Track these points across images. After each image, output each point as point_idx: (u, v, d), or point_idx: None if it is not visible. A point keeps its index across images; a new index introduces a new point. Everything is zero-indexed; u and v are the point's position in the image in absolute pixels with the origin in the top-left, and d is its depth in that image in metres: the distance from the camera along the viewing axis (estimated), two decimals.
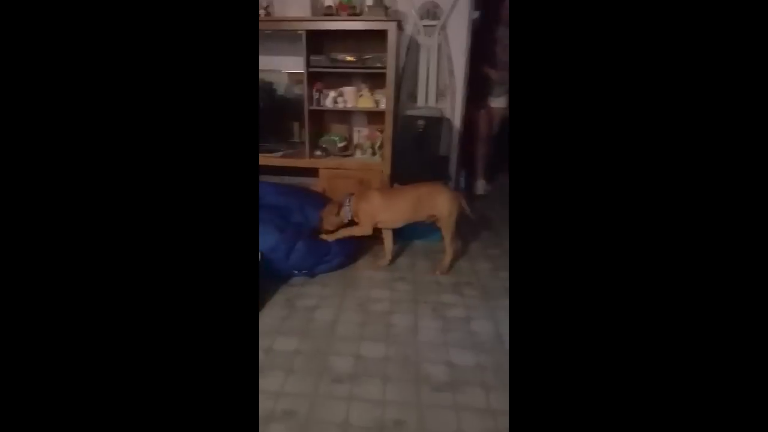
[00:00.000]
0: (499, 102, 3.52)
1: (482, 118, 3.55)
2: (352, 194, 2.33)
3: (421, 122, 2.65)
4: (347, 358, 1.63)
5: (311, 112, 2.72)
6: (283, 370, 1.55)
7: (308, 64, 2.62)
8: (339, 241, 2.27)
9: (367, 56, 2.63)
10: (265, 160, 2.78)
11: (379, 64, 2.58)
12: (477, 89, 3.40)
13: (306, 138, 2.76)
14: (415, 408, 1.40)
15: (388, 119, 2.62)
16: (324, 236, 2.24)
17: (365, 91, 2.75)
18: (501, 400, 1.43)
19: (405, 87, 2.94)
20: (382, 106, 2.67)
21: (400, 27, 2.57)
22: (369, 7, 2.64)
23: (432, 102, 2.93)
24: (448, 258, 2.28)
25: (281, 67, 2.92)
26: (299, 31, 2.55)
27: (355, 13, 2.61)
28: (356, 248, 2.41)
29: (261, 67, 2.92)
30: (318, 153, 2.84)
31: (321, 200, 2.58)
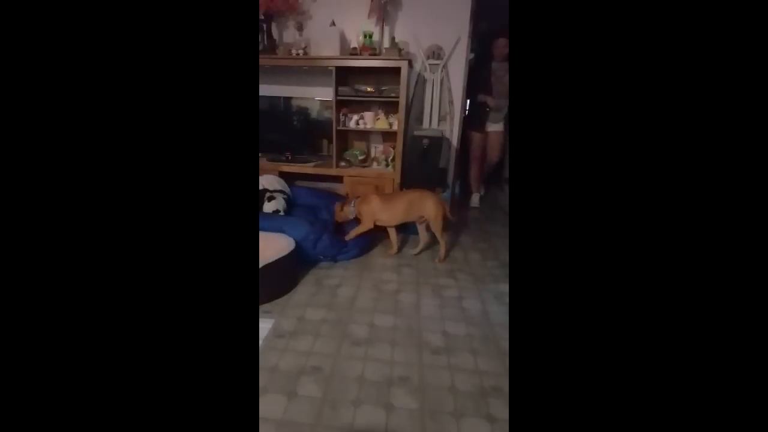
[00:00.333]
0: (495, 127, 3.32)
1: (479, 141, 3.38)
2: (357, 197, 2.35)
3: (425, 141, 2.64)
4: (363, 326, 1.62)
5: (338, 131, 2.73)
6: (312, 335, 1.55)
7: (336, 94, 2.62)
8: (355, 237, 2.29)
9: (384, 88, 2.63)
10: (300, 168, 2.80)
11: (393, 94, 2.58)
12: (475, 116, 3.31)
13: (333, 152, 2.77)
14: (417, 367, 1.39)
15: (399, 138, 2.62)
16: (346, 238, 2.26)
17: (381, 116, 2.75)
18: (486, 363, 1.42)
19: (413, 112, 2.93)
20: (395, 127, 2.67)
21: (410, 65, 2.56)
22: (386, 48, 2.64)
23: (435, 125, 2.92)
24: (443, 249, 2.27)
25: (314, 96, 2.93)
26: (330, 67, 2.56)
27: (375, 54, 2.61)
28: (369, 242, 2.40)
29: (298, 95, 2.95)
30: (343, 164, 2.85)
31: (345, 202, 2.58)
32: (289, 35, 2.92)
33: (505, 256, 2.37)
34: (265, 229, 2.09)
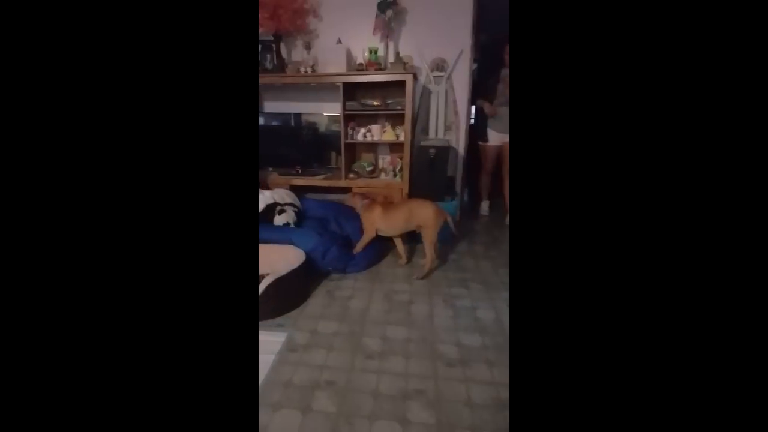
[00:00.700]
0: (498, 138, 3.04)
1: (486, 150, 3.13)
2: (366, 200, 2.30)
3: (432, 151, 2.61)
4: (376, 338, 1.57)
5: (346, 144, 2.73)
6: (325, 348, 1.51)
7: (344, 108, 2.63)
8: (363, 249, 2.25)
9: (390, 101, 2.63)
10: (310, 181, 2.80)
11: (399, 107, 2.58)
12: (481, 124, 3.14)
13: (342, 164, 2.77)
14: (432, 380, 1.34)
15: (406, 149, 2.60)
16: (354, 251, 2.23)
17: (388, 128, 2.75)
18: (503, 374, 1.35)
19: (419, 123, 2.92)
20: (402, 138, 2.66)
21: (415, 78, 2.56)
22: (391, 63, 2.64)
23: (441, 135, 2.89)
24: (427, 265, 2.13)
25: (323, 111, 2.94)
26: (337, 83, 2.58)
27: (380, 68, 2.61)
28: (378, 254, 2.36)
29: (307, 111, 2.96)
30: (351, 175, 2.84)
31: (352, 213, 2.56)
32: (298, 54, 2.94)
33: None
34: (275, 241, 2.07)
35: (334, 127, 2.85)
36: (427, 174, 2.66)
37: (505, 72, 2.93)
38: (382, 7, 2.59)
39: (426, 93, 2.87)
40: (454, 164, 2.96)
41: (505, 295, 1.94)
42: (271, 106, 3.11)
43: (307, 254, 1.98)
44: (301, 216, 2.44)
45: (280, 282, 1.71)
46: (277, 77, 2.71)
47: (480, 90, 3.06)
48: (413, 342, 1.55)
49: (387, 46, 2.70)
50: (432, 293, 1.97)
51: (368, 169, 2.83)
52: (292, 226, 2.31)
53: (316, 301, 1.88)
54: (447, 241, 2.48)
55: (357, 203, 2.33)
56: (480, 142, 3.14)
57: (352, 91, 2.74)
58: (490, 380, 1.33)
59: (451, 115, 2.90)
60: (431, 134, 2.90)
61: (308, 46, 2.82)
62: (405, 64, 2.58)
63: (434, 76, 2.81)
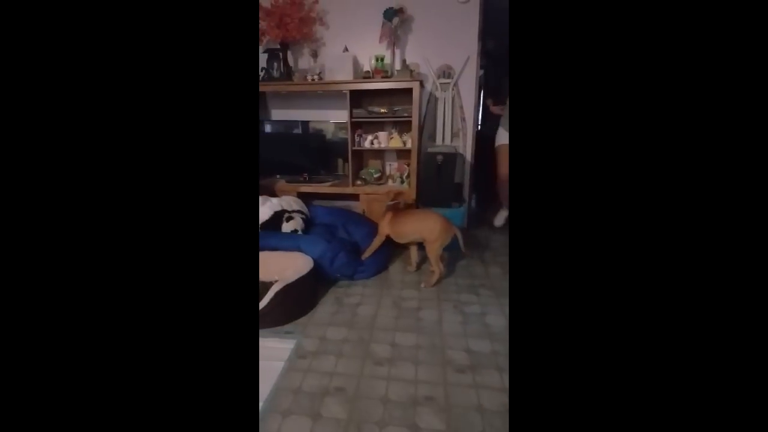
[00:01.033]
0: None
1: (503, 152, 2.92)
2: (390, 203, 2.30)
3: (440, 157, 2.63)
4: (385, 345, 1.58)
5: (353, 151, 2.76)
6: (334, 355, 1.52)
7: (351, 116, 2.67)
8: (372, 255, 2.26)
9: (397, 108, 2.66)
10: (317, 188, 2.83)
11: (406, 114, 2.61)
12: (493, 126, 3.02)
13: (349, 171, 2.80)
14: (442, 386, 1.34)
15: (414, 155, 2.63)
16: (362, 256, 2.23)
17: (395, 135, 2.77)
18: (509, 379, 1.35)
19: (426, 130, 2.93)
20: (409, 145, 2.69)
21: (422, 85, 2.59)
22: (398, 70, 2.68)
23: (448, 141, 2.91)
24: (435, 277, 2.12)
25: (330, 118, 2.98)
26: (344, 91, 2.62)
27: (387, 76, 2.65)
28: (385, 260, 2.37)
29: (314, 118, 3.00)
30: (359, 182, 2.86)
31: (360, 219, 2.58)
32: (305, 62, 2.99)
33: None
34: (283, 248, 2.09)
35: (341, 135, 2.89)
36: (435, 181, 2.67)
37: None
38: (388, 15, 2.63)
39: (433, 100, 2.90)
40: (461, 171, 2.97)
41: None
42: (278, 113, 3.16)
43: (316, 261, 2.00)
44: (308, 223, 2.47)
45: (288, 289, 1.72)
46: (284, 85, 2.76)
47: (490, 92, 3.05)
48: (422, 348, 1.56)
49: (393, 54, 2.74)
50: (441, 299, 1.97)
51: (375, 176, 2.86)
52: (299, 233, 2.33)
53: (325, 308, 1.89)
54: (453, 248, 2.46)
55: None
56: (496, 145, 2.94)
57: (358, 98, 2.78)
58: (500, 386, 1.33)
59: (458, 121, 2.92)
60: (438, 141, 2.93)
61: (315, 54, 2.87)
62: (411, 71, 2.62)
63: (441, 83, 2.84)
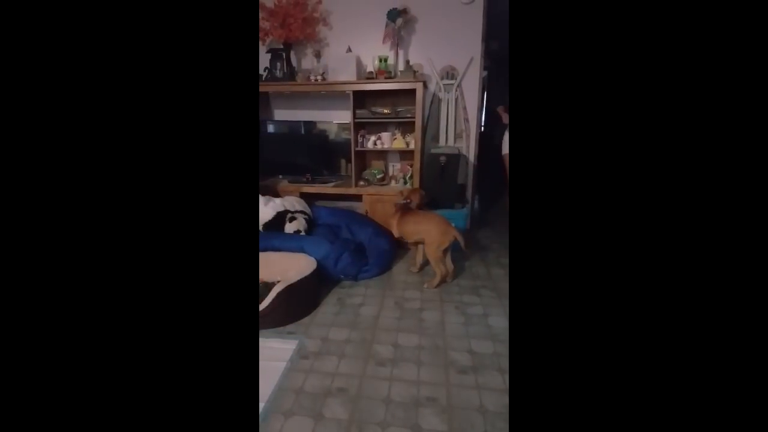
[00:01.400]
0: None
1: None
2: (400, 202, 2.34)
3: (443, 158, 2.64)
4: (388, 346, 1.59)
5: (356, 152, 2.77)
6: (336, 355, 1.53)
7: (354, 116, 2.68)
8: (374, 255, 2.29)
9: (400, 109, 2.67)
10: (320, 189, 2.85)
11: (409, 115, 2.62)
12: (500, 133, 2.87)
13: (352, 172, 2.81)
14: (444, 387, 1.35)
15: (417, 156, 2.64)
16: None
17: (398, 135, 2.78)
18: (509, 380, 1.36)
19: (429, 131, 2.95)
20: (412, 146, 2.70)
21: (425, 86, 2.60)
22: (401, 71, 2.69)
23: (451, 142, 2.92)
24: (436, 279, 2.13)
25: (333, 119, 2.99)
26: (347, 91, 2.63)
27: (390, 77, 2.66)
28: (389, 261, 2.39)
29: (317, 119, 3.02)
30: (362, 183, 2.88)
31: (364, 220, 2.59)
32: (308, 62, 3.01)
33: None
34: (287, 249, 2.11)
35: (344, 135, 2.90)
36: (438, 182, 2.68)
37: None
38: (391, 16, 2.65)
39: (436, 101, 2.91)
40: (464, 172, 2.98)
41: None
42: (281, 114, 3.18)
43: (319, 262, 2.02)
44: (311, 223, 2.48)
45: (290, 289, 1.74)
46: (287, 85, 2.77)
47: (495, 95, 3.00)
48: (425, 349, 1.57)
49: (397, 55, 2.75)
50: (443, 300, 1.98)
51: (378, 176, 2.87)
52: (302, 233, 2.35)
53: (327, 309, 1.90)
54: (455, 249, 2.43)
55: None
56: (503, 153, 2.81)
57: (362, 99, 2.80)
58: (502, 387, 1.34)
59: (461, 122, 2.93)
60: (441, 142, 2.94)
61: (318, 55, 2.89)
62: (415, 72, 2.63)
63: (444, 84, 2.85)
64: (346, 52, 2.72)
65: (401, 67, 2.75)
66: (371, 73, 2.72)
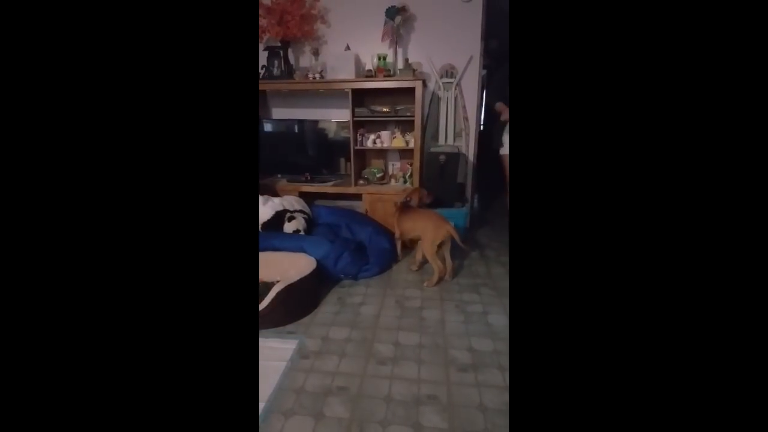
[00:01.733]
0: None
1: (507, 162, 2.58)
2: (403, 200, 2.38)
3: (442, 157, 2.65)
4: (388, 344, 1.60)
5: (355, 151, 2.77)
6: (337, 355, 1.54)
7: (353, 115, 2.68)
8: (375, 254, 2.31)
9: (399, 107, 2.67)
10: (319, 188, 2.85)
11: (408, 113, 2.63)
12: (499, 131, 2.67)
13: (352, 171, 2.81)
14: (444, 385, 1.36)
15: (416, 155, 2.64)
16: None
17: (398, 134, 2.79)
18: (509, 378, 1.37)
19: (429, 130, 2.95)
20: (411, 145, 2.70)
21: (424, 84, 2.60)
22: (400, 70, 2.70)
23: (450, 141, 2.93)
24: (435, 276, 2.14)
25: (332, 117, 2.99)
26: (346, 90, 2.63)
27: (389, 75, 2.66)
28: (389, 260, 2.40)
29: (316, 117, 3.02)
30: (361, 182, 2.88)
31: (364, 219, 2.60)
32: (306, 60, 3.01)
33: None
34: (286, 249, 2.11)
35: (344, 134, 2.91)
36: (438, 180, 2.69)
37: None
38: (390, 14, 2.65)
39: (435, 99, 2.92)
40: (464, 171, 2.99)
41: None
42: (279, 112, 3.18)
43: (319, 261, 2.02)
44: (311, 223, 2.49)
45: (290, 289, 1.74)
46: (285, 84, 2.77)
47: (498, 93, 2.92)
48: (425, 347, 1.58)
49: (396, 53, 2.75)
50: (443, 299, 1.99)
51: (378, 175, 2.87)
52: (302, 233, 2.35)
53: (328, 308, 1.91)
54: (454, 247, 2.41)
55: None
56: (501, 153, 2.66)
57: (361, 97, 2.80)
58: (502, 385, 1.35)
59: (460, 121, 2.94)
60: (441, 141, 2.94)
61: (316, 53, 2.89)
62: (414, 70, 2.63)
63: (443, 83, 2.85)
64: (345, 50, 2.72)
65: (400, 65, 2.75)
66: (370, 71, 2.72)
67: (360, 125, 2.79)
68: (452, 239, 2.13)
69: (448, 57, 2.83)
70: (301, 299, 1.84)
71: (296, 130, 3.03)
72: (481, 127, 3.36)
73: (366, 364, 1.47)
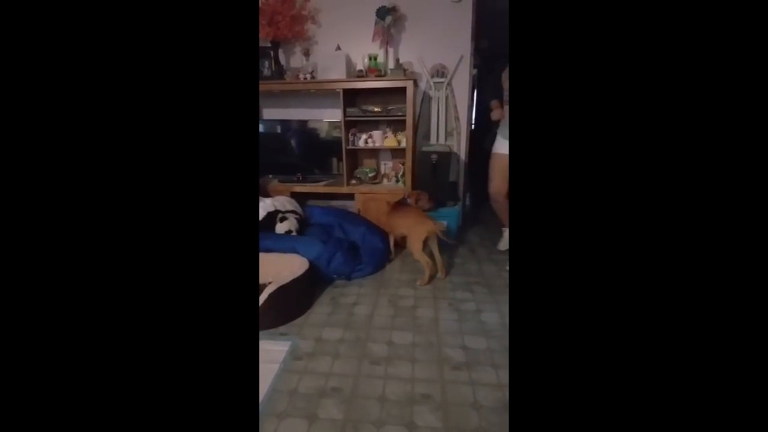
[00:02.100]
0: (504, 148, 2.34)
1: (498, 163, 2.39)
2: (410, 196, 2.38)
3: (434, 156, 2.65)
4: (382, 344, 1.59)
5: (347, 150, 2.76)
6: (330, 355, 1.52)
7: (345, 114, 2.67)
8: (368, 253, 2.31)
9: (391, 107, 2.67)
10: (311, 188, 2.84)
11: (400, 113, 2.62)
12: (491, 132, 2.53)
13: (344, 170, 2.80)
14: (438, 384, 1.35)
15: (408, 154, 2.64)
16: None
17: (389, 134, 2.79)
18: (508, 377, 1.37)
19: (421, 129, 2.96)
20: (403, 144, 2.70)
21: (416, 84, 2.60)
22: (391, 69, 2.70)
23: (442, 140, 2.94)
24: (426, 275, 2.13)
25: (323, 117, 2.98)
26: (337, 90, 2.62)
27: (380, 75, 2.66)
28: (382, 259, 2.39)
29: (308, 117, 3.01)
30: (353, 182, 2.87)
31: (357, 219, 2.59)
32: (297, 60, 3.00)
33: None
34: (278, 250, 2.09)
35: (335, 134, 2.90)
36: (430, 179, 2.69)
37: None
38: (381, 14, 2.64)
39: (426, 99, 2.92)
40: (456, 169, 3.00)
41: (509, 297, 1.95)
42: (270, 113, 3.16)
43: (312, 262, 2.01)
44: (303, 223, 2.47)
45: (282, 290, 1.73)
46: (276, 84, 2.76)
47: (485, 89, 2.94)
48: (419, 346, 1.57)
49: (387, 53, 2.75)
50: (437, 297, 1.99)
51: (370, 175, 2.87)
52: (294, 233, 2.34)
53: (321, 309, 1.90)
54: (445, 246, 2.35)
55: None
56: (492, 152, 2.43)
57: (352, 97, 2.79)
58: (496, 382, 1.35)
59: (452, 120, 2.95)
60: (433, 140, 2.95)
61: (307, 53, 2.87)
62: (405, 70, 2.64)
63: (435, 82, 2.86)
64: (336, 50, 2.71)
65: (391, 65, 2.75)
66: (361, 71, 2.72)
67: (352, 125, 2.79)
68: (438, 236, 2.13)
69: (439, 57, 2.84)
70: (294, 300, 1.82)
71: (288, 131, 3.01)
72: (473, 126, 3.37)
73: (360, 365, 1.46)
